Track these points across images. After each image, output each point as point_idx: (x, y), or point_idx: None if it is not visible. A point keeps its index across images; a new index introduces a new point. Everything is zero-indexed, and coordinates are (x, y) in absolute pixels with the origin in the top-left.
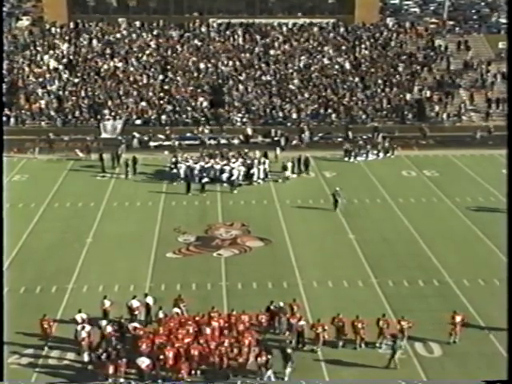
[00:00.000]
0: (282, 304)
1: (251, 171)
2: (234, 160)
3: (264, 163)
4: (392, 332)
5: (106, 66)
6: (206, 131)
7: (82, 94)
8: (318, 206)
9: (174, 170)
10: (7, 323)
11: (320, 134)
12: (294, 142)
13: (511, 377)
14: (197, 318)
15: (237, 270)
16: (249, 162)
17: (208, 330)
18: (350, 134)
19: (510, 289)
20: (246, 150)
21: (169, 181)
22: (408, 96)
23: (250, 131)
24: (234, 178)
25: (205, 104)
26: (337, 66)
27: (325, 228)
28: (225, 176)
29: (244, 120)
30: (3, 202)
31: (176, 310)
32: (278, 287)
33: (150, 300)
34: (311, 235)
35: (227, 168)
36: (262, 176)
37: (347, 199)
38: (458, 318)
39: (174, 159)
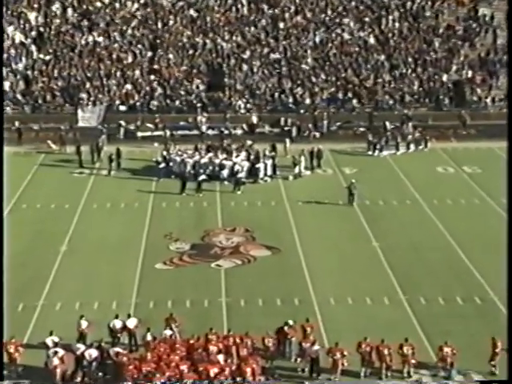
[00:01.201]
0: (292, 323)
1: (256, 166)
2: (236, 154)
3: (272, 157)
4: (445, 358)
5: (83, 41)
6: (204, 119)
7: (55, 74)
8: (336, 208)
9: (162, 165)
10: None
11: (338, 123)
12: (308, 133)
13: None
14: (191, 342)
15: (239, 284)
16: (254, 155)
17: (205, 356)
18: (374, 122)
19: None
20: (251, 142)
21: (159, 178)
22: (445, 77)
23: (255, 119)
24: (237, 175)
25: (201, 87)
26: (359, 42)
27: (344, 234)
28: (225, 173)
29: (248, 106)
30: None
31: (167, 331)
32: (288, 304)
33: (131, 323)
34: (327, 243)
35: (228, 163)
36: (269, 172)
37: (370, 199)
38: (500, 345)
39: (165, 152)
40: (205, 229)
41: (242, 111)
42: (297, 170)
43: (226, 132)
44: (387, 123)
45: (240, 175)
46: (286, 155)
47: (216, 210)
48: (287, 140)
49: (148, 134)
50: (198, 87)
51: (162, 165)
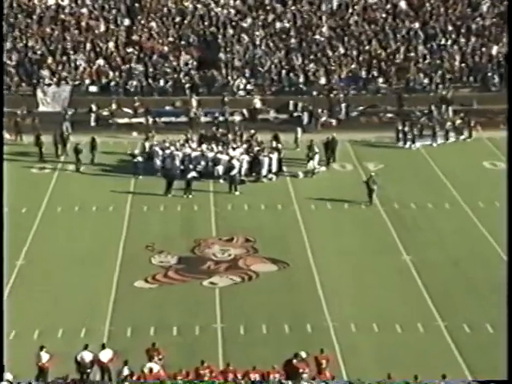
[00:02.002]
0: (304, 355)
1: (259, 161)
2: (234, 146)
3: (277, 150)
4: None
5: (43, 5)
6: (194, 103)
7: (7, 46)
8: (357, 212)
9: (138, 159)
10: None
11: (360, 108)
12: (323, 119)
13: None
14: (179, 378)
15: (237, 307)
16: (256, 148)
17: None
18: (404, 106)
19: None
20: (252, 132)
21: (139, 175)
22: (494, 49)
23: (257, 103)
24: (234, 171)
25: (191, 63)
26: (387, 6)
27: (367, 245)
28: (221, 169)
29: (249, 87)
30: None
31: (149, 365)
32: (299, 331)
33: (105, 355)
34: (347, 255)
35: (224, 157)
36: (274, 169)
37: (399, 202)
38: None
39: (146, 144)
40: (195, 238)
41: (242, 93)
42: (310, 165)
43: (222, 119)
44: (421, 108)
45: (235, 172)
46: (296, 147)
47: (209, 215)
48: (298, 129)
49: (125, 121)
50: (186, 64)
51: (139, 158)
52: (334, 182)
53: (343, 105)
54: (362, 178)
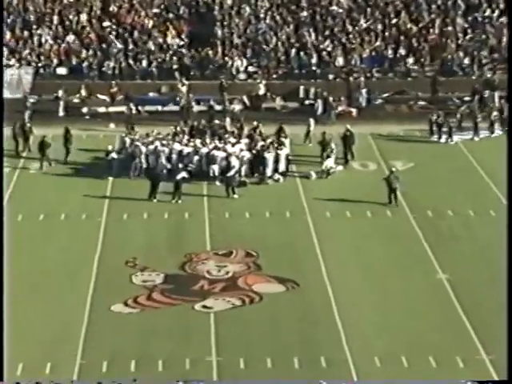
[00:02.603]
0: None
1: (263, 159)
2: (232, 140)
3: (283, 146)
4: None
5: None
6: (184, 89)
7: None
8: (382, 221)
9: (113, 156)
10: None
11: (386, 94)
12: (340, 109)
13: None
14: None
15: (237, 336)
16: (259, 143)
17: None
18: (440, 92)
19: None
20: (255, 123)
21: (117, 176)
22: None
23: (261, 89)
24: (232, 171)
25: (181, 41)
26: None
27: (394, 261)
28: (217, 168)
29: (251, 69)
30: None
31: None
32: (311, 366)
33: None
34: (369, 273)
35: (221, 154)
36: (281, 168)
37: (432, 209)
38: None
39: (127, 138)
40: (186, 252)
41: (242, 77)
42: (327, 164)
43: (219, 108)
44: (460, 94)
45: (234, 171)
46: (307, 142)
47: (202, 224)
48: (310, 120)
49: (101, 110)
50: (175, 41)
51: (113, 155)
52: (353, 184)
53: (364, 90)
54: (392, 185)
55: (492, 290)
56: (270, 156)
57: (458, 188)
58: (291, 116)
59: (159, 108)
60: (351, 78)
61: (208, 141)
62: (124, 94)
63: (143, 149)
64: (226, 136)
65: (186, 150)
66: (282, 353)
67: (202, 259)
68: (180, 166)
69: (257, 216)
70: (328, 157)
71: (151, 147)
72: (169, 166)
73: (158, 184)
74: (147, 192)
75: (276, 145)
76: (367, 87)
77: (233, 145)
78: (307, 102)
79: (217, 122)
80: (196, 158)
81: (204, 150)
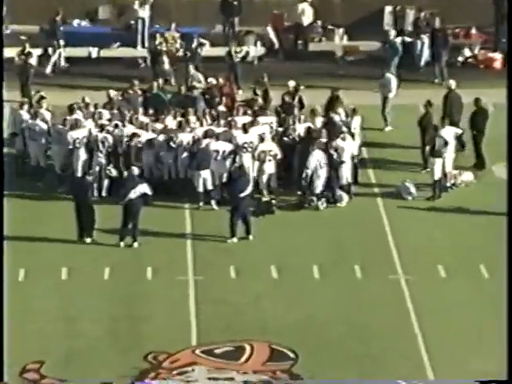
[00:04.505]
0: None
1: (306, 157)
2: (242, 119)
3: (345, 133)
4: None
5: None
6: (145, 12)
7: None
8: None
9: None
10: None
11: None
12: (469, 54)
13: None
14: None
15: None
16: (299, 127)
17: None
18: None
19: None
20: (292, 85)
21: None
22: None
23: (304, 13)
24: (244, 185)
25: None
26: None
27: None
28: (209, 176)
29: None
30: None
31: None
32: None
33: None
34: None
35: (221, 146)
36: (343, 178)
37: None
38: None
39: (23, 114)
40: (149, 350)
41: None
42: (436, 169)
43: (218, 52)
44: None
45: (245, 185)
46: (384, 126)
47: (183, 289)
48: (391, 78)
49: None
50: None
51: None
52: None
53: None
54: None
55: None
56: (317, 154)
57: None
58: (355, 68)
59: (94, 52)
60: None
61: (192, 119)
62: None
63: (64, 136)
64: (230, 109)
65: (149, 136)
66: None
67: (182, 365)
68: (135, 171)
69: (287, 275)
70: (436, 156)
71: (76, 134)
72: (114, 173)
73: (89, 210)
74: (72, 225)
75: (330, 131)
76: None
77: (244, 129)
78: (392, 37)
79: (211, 80)
80: (169, 154)
81: (184, 138)
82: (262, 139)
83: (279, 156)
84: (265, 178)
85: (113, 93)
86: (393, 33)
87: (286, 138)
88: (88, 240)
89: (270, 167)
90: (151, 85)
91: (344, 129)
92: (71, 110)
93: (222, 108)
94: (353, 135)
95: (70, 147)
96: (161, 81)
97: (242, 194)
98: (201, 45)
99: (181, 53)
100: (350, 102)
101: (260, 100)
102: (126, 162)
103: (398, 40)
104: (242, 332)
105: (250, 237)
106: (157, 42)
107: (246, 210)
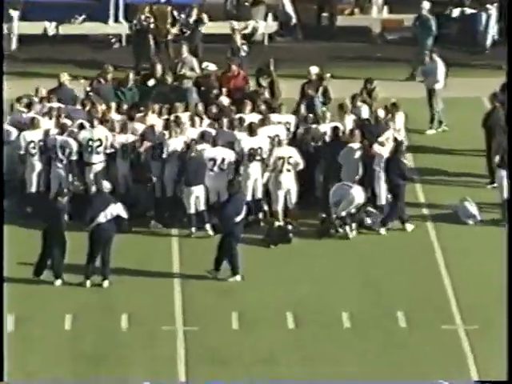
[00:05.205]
0: None
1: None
2: (248, 117)
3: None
4: None
5: None
6: None
7: None
8: None
9: None
10: None
11: None
12: None
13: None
14: None
15: None
16: (323, 128)
17: None
18: None
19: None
20: (314, 71)
21: None
22: None
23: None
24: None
25: None
26: None
27: None
28: (202, 193)
29: None
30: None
31: None
32: None
33: None
34: None
35: (216, 154)
36: (382, 196)
37: None
38: None
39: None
40: None
41: None
42: (505, 185)
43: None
44: None
45: (249, 209)
46: (438, 124)
47: (170, 346)
48: (439, 63)
49: None
50: None
51: None
52: None
53: None
54: None
55: None
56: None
57: None
58: (406, 50)
59: (50, 29)
60: None
61: (183, 117)
62: None
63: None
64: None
65: (123, 139)
66: None
67: None
68: (107, 186)
69: (315, 327)
70: (505, 165)
71: (52, 140)
72: (77, 189)
73: (61, 241)
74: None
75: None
76: None
77: (250, 131)
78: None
79: (210, 67)
80: (154, 165)
81: (175, 143)
82: (278, 142)
83: (301, 166)
84: (281, 194)
85: (64, 77)
86: (426, 5)
87: (308, 143)
88: (58, 282)
89: (288, 180)
90: (128, 73)
91: (398, 123)
92: (26, 105)
93: (225, 100)
94: (395, 138)
95: (22, 152)
96: (159, 67)
97: (238, 218)
98: (199, 21)
99: (174, 31)
100: (390, 94)
101: (266, 93)
102: (94, 174)
103: (431, 16)
104: None
105: (238, 277)
106: (142, 17)
107: (239, 237)
